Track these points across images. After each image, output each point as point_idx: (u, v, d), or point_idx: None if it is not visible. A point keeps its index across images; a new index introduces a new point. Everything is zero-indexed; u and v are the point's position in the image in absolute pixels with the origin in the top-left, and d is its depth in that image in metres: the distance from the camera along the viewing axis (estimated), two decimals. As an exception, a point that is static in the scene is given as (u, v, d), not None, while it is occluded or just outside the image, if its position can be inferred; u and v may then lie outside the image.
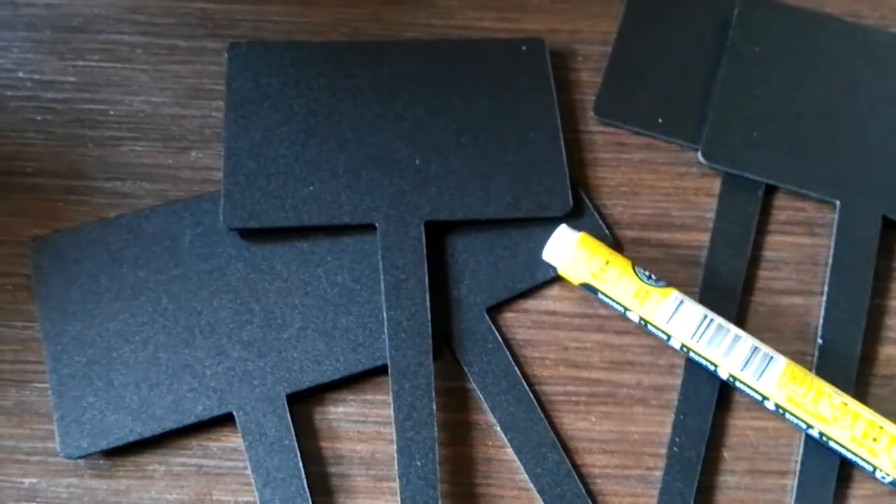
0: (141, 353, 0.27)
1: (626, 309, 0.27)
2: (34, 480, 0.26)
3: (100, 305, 0.28)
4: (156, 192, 0.30)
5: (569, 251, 0.27)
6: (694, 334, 0.26)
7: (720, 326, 0.26)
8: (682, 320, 0.26)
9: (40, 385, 0.28)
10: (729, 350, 0.26)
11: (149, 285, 0.28)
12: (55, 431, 0.26)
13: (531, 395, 0.27)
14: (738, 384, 0.26)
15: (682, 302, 0.27)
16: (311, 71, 0.31)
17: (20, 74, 0.32)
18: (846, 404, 0.25)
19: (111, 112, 0.31)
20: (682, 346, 0.27)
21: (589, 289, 0.28)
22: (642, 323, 0.27)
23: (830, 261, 0.29)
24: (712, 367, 0.26)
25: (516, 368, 0.28)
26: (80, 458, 0.26)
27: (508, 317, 0.29)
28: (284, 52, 0.31)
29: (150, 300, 0.28)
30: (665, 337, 0.27)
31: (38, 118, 0.31)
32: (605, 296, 0.27)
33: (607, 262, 0.27)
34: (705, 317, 0.27)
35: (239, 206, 0.29)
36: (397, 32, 0.33)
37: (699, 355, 0.26)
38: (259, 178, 0.29)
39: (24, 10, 0.33)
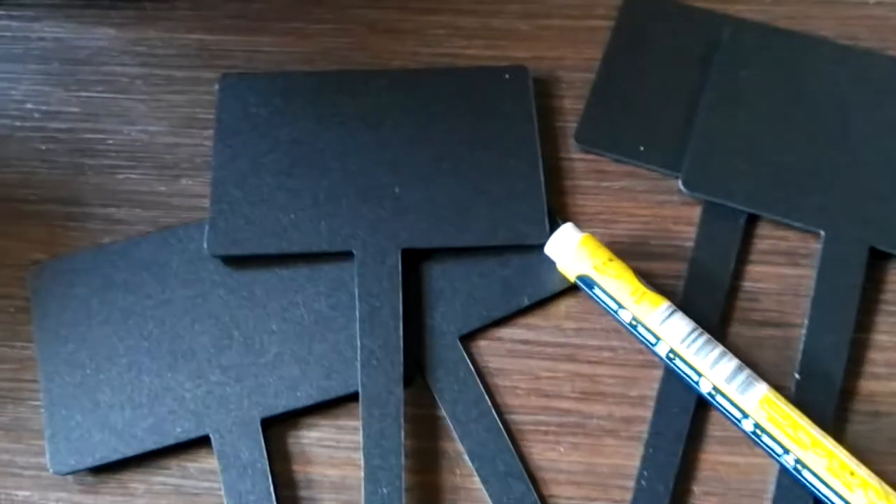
0: (126, 375, 0.29)
1: (619, 306, 0.27)
2: (27, 493, 0.28)
3: (91, 329, 0.30)
4: (149, 219, 0.32)
5: (573, 244, 0.28)
6: (684, 340, 0.26)
7: (710, 339, 0.27)
8: (674, 325, 0.27)
9: (35, 403, 0.29)
10: (715, 363, 0.26)
11: (136, 310, 0.30)
12: (46, 448, 0.28)
13: (500, 424, 0.28)
14: (718, 398, 0.26)
15: (675, 310, 0.27)
16: (298, 100, 0.32)
17: (29, 105, 0.34)
18: (822, 442, 0.25)
19: (110, 141, 0.33)
20: (669, 351, 0.27)
21: (585, 283, 0.28)
22: (633, 324, 0.27)
23: (812, 292, 0.28)
24: (694, 378, 0.26)
25: (487, 397, 0.28)
26: (68, 474, 0.28)
27: (482, 345, 0.29)
28: (273, 82, 0.33)
29: (136, 324, 0.29)
30: (653, 340, 0.27)
31: (44, 147, 0.33)
32: (602, 290, 0.28)
33: (610, 259, 0.28)
34: (696, 328, 0.27)
35: (222, 234, 0.30)
36: (385, 61, 0.34)
37: (685, 362, 0.26)
38: (243, 207, 0.30)
39: (35, 44, 0.35)
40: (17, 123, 0.33)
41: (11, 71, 0.34)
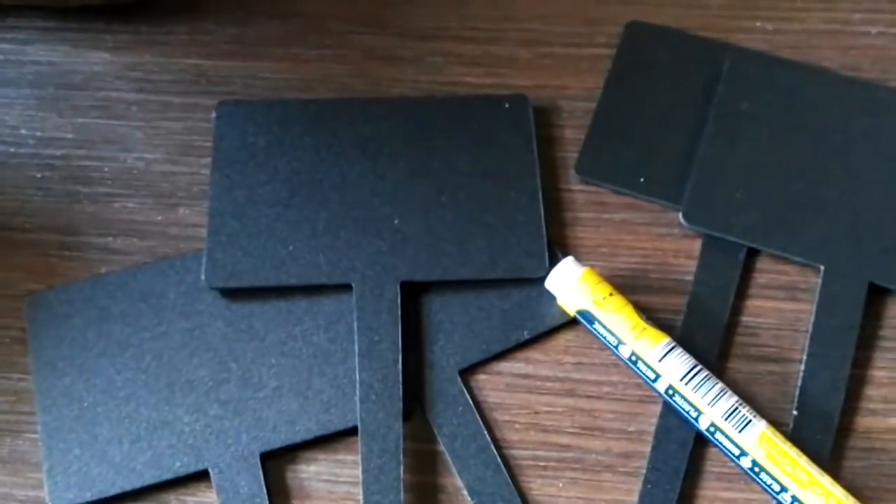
0: (124, 408, 0.29)
1: (619, 342, 0.28)
2: (25, 527, 0.28)
3: (88, 361, 0.30)
4: (145, 249, 0.32)
5: (573, 278, 0.28)
6: (683, 377, 0.27)
7: (709, 376, 0.27)
8: (673, 362, 0.27)
9: (33, 436, 0.29)
10: (714, 400, 0.27)
11: (133, 342, 0.30)
12: (44, 482, 0.28)
13: (499, 459, 0.28)
14: (717, 435, 0.27)
15: (675, 346, 0.27)
16: (296, 129, 0.32)
17: (23, 131, 0.34)
18: (819, 480, 0.25)
19: (105, 169, 0.33)
20: (669, 387, 0.27)
21: (585, 317, 0.28)
22: (633, 359, 0.28)
23: (811, 327, 0.29)
24: (693, 415, 0.27)
25: (486, 432, 0.28)
26: (66, 509, 0.28)
27: (481, 379, 0.29)
28: (270, 110, 0.33)
29: (134, 357, 0.30)
30: (652, 376, 0.27)
31: (38, 175, 0.33)
32: (602, 325, 0.28)
33: (610, 294, 0.28)
34: (696, 365, 0.27)
35: (220, 266, 0.30)
36: (384, 88, 0.34)
37: (684, 399, 0.27)
38: (241, 238, 0.31)
39: (29, 68, 0.35)
40: (12, 150, 0.33)
41: (4, 95, 0.34)
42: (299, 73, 0.34)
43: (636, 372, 0.28)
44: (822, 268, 0.29)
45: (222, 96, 0.34)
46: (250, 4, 0.35)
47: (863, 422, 0.28)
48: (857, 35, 0.33)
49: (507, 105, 0.32)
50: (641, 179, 0.31)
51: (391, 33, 0.35)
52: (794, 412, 0.28)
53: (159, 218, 0.32)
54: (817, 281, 0.29)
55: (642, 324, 0.28)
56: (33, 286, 0.31)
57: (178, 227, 0.32)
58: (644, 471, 0.27)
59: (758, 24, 0.34)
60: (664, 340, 0.27)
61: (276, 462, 0.29)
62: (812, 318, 0.29)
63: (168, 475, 0.28)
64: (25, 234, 0.32)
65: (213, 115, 0.33)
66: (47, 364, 0.30)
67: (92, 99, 0.34)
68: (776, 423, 0.27)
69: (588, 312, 0.28)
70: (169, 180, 0.33)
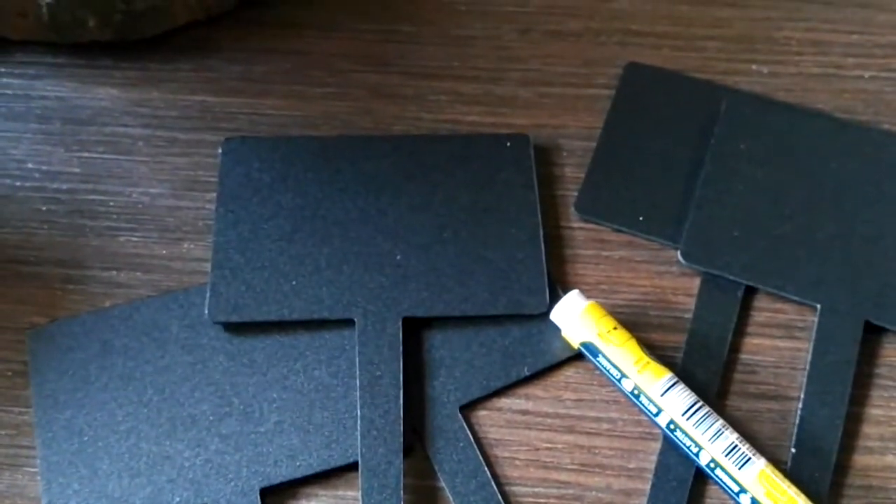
0: (124, 443, 0.30)
1: (622, 375, 0.29)
2: (22, 563, 0.29)
3: (89, 394, 0.30)
4: (149, 283, 0.33)
5: (578, 311, 0.29)
6: (685, 413, 0.28)
7: (710, 412, 0.28)
8: (675, 397, 0.28)
9: (32, 470, 0.30)
10: (715, 437, 0.27)
11: (136, 376, 0.31)
12: (42, 517, 0.29)
13: (500, 496, 0.29)
14: (717, 471, 0.27)
15: (677, 382, 0.28)
16: (300, 165, 0.34)
17: (29, 165, 0.35)
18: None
19: (111, 203, 0.34)
20: (670, 422, 0.28)
21: (589, 350, 0.29)
22: (635, 393, 0.28)
23: (808, 366, 0.30)
24: (694, 451, 0.28)
25: (486, 468, 0.29)
26: (64, 543, 0.29)
27: (481, 415, 0.30)
28: (275, 146, 0.34)
29: (136, 390, 0.30)
30: (654, 411, 0.28)
31: (44, 208, 0.34)
32: (605, 358, 0.29)
33: (615, 328, 0.29)
34: (697, 400, 0.28)
35: (224, 300, 0.31)
36: (387, 126, 0.35)
37: (686, 434, 0.28)
38: (244, 273, 0.32)
39: (37, 103, 0.36)
40: (18, 183, 0.35)
41: (12, 130, 0.36)
42: (304, 111, 0.35)
43: (638, 406, 0.29)
44: (819, 306, 0.30)
45: (227, 132, 0.35)
46: (256, 42, 0.37)
47: (860, 460, 0.29)
48: (850, 79, 0.35)
49: (508, 143, 0.34)
50: (640, 218, 0.32)
51: (395, 72, 0.36)
52: (793, 450, 0.29)
53: (164, 252, 0.33)
54: (814, 319, 0.30)
55: (645, 358, 0.29)
56: (36, 319, 0.32)
57: (182, 262, 0.33)
58: (644, 508, 0.28)
59: (753, 66, 0.35)
60: (667, 375, 0.28)
61: (276, 498, 0.29)
62: (809, 357, 0.30)
63: (167, 510, 0.29)
64: (30, 266, 0.33)
65: (220, 150, 0.34)
66: (48, 397, 0.31)
67: (99, 134, 0.35)
68: (775, 461, 0.28)
69: (592, 345, 0.29)
70: (174, 215, 0.34)
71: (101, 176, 0.35)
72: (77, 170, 0.35)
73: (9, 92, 0.36)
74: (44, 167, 0.35)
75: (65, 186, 0.34)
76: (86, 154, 0.35)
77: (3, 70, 0.37)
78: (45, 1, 0.34)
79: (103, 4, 0.35)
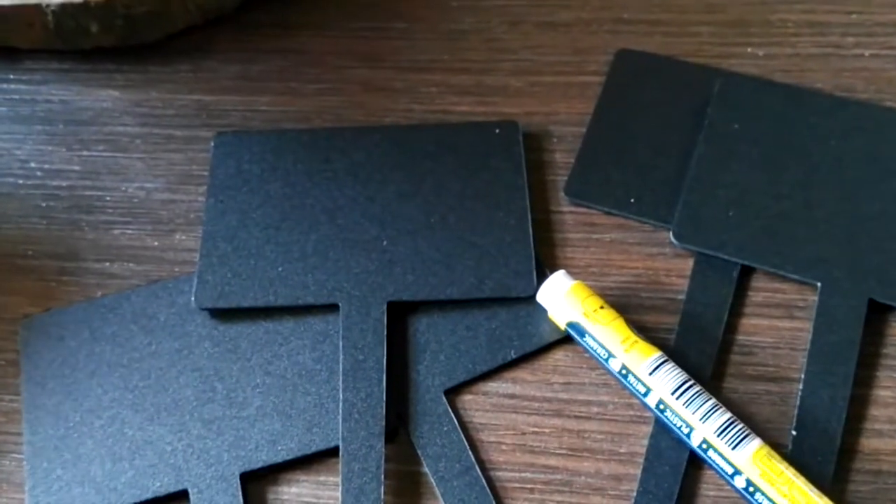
0: (108, 428, 0.30)
1: (609, 355, 0.28)
2: (5, 549, 0.29)
3: (77, 381, 0.31)
4: (141, 273, 0.34)
5: (564, 290, 0.29)
6: (675, 392, 0.27)
7: (701, 391, 0.27)
8: (664, 376, 0.27)
9: (19, 456, 0.31)
10: (706, 416, 0.27)
11: (123, 362, 0.31)
12: (26, 502, 0.29)
13: (484, 481, 0.28)
14: (709, 453, 0.26)
15: (666, 360, 0.28)
16: (290, 157, 0.35)
17: (32, 164, 0.37)
18: (817, 501, 0.25)
19: (107, 198, 0.35)
20: (660, 402, 0.27)
21: (576, 329, 0.29)
22: (623, 373, 0.28)
23: (809, 346, 0.29)
24: (685, 431, 0.27)
25: (471, 453, 0.29)
26: (46, 528, 0.29)
27: (467, 399, 0.30)
28: (266, 139, 0.35)
29: (122, 377, 0.31)
30: (643, 391, 0.28)
31: (43, 204, 0.36)
32: (592, 338, 0.28)
33: (601, 307, 0.29)
34: (688, 379, 0.27)
35: (210, 287, 0.32)
36: (379, 118, 0.36)
37: (675, 414, 0.27)
38: (232, 260, 0.32)
39: (42, 106, 0.38)
40: (20, 182, 0.36)
41: (17, 132, 0.37)
42: (297, 106, 0.36)
43: (626, 386, 0.28)
44: (819, 285, 0.30)
45: (222, 128, 0.36)
46: (253, 44, 0.38)
47: (869, 443, 0.28)
48: (850, 58, 0.35)
49: (497, 131, 0.34)
50: (631, 200, 0.32)
51: (387, 67, 0.37)
52: (793, 432, 0.28)
53: (156, 244, 0.34)
54: (814, 298, 0.30)
55: (633, 336, 0.28)
56: (31, 310, 0.33)
57: (174, 252, 0.34)
58: (635, 494, 0.27)
59: (749, 49, 0.35)
60: (655, 354, 0.28)
61: (256, 483, 0.29)
62: (810, 336, 0.29)
63: (148, 495, 0.29)
64: (27, 260, 0.34)
65: (212, 144, 0.35)
66: (38, 384, 0.31)
67: (99, 133, 0.37)
68: (775, 445, 0.27)
69: (578, 325, 0.29)
70: (167, 208, 0.35)
71: (99, 173, 0.36)
72: (77, 167, 0.36)
73: (16, 97, 0.38)
74: (45, 166, 0.36)
75: (64, 183, 0.36)
76: (86, 153, 0.37)
77: (12, 77, 0.39)
78: (50, 9, 0.36)
79: (105, 11, 0.37)
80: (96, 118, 0.37)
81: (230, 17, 0.39)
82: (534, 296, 0.30)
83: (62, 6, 0.36)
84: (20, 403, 0.31)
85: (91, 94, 0.38)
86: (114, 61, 0.39)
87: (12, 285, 0.34)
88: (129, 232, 0.35)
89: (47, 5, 0.36)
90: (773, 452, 0.26)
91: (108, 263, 0.34)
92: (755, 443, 0.26)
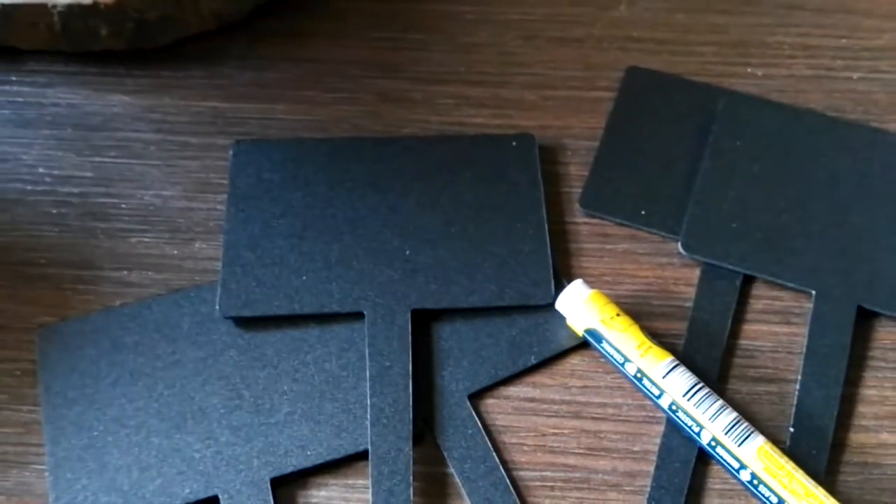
0: (134, 437, 0.31)
1: (626, 359, 0.30)
2: (31, 559, 0.30)
3: (99, 391, 0.32)
4: (160, 282, 0.34)
5: (582, 299, 0.31)
6: (686, 393, 0.30)
7: (710, 393, 0.30)
8: (676, 379, 0.30)
9: (40, 467, 0.31)
10: (715, 416, 0.29)
11: (146, 371, 0.32)
12: (50, 512, 0.30)
13: (508, 480, 0.30)
14: (717, 449, 0.29)
15: (678, 364, 0.30)
16: (310, 166, 0.36)
17: (40, 170, 0.37)
18: (814, 492, 0.28)
19: (123, 205, 0.36)
20: (672, 403, 0.30)
21: (593, 336, 0.31)
22: (638, 376, 0.30)
23: (804, 350, 0.32)
24: (695, 430, 0.29)
25: (494, 454, 0.31)
26: (73, 537, 0.30)
27: (489, 403, 0.32)
28: (285, 148, 0.36)
29: (146, 386, 0.32)
30: (657, 393, 0.30)
31: (55, 211, 0.36)
32: (609, 344, 0.31)
33: (617, 314, 0.31)
34: (698, 382, 0.30)
35: (234, 296, 0.33)
36: (396, 129, 0.37)
37: (687, 414, 0.29)
38: (255, 269, 0.34)
39: (48, 110, 0.38)
40: (29, 187, 0.37)
41: (23, 136, 0.38)
42: (314, 115, 0.38)
43: (641, 389, 0.31)
44: (814, 293, 0.33)
45: (238, 136, 0.37)
46: (267, 51, 0.39)
47: (856, 438, 0.31)
48: (840, 80, 0.38)
49: (514, 143, 0.36)
50: (642, 212, 0.35)
51: (404, 77, 0.38)
52: (791, 429, 0.30)
53: (175, 252, 0.35)
54: (809, 305, 0.33)
55: (648, 342, 0.30)
56: (46, 319, 0.34)
57: (194, 261, 0.35)
58: (649, 489, 0.30)
59: (748, 69, 0.38)
60: (668, 358, 0.30)
61: (286, 488, 0.31)
62: (805, 341, 0.32)
63: (178, 502, 0.30)
64: (40, 268, 0.35)
65: (230, 153, 0.36)
66: (57, 394, 0.32)
67: (111, 139, 0.38)
68: (774, 441, 0.30)
69: (596, 331, 0.31)
70: (185, 216, 0.36)
71: (112, 179, 0.37)
72: (89, 174, 0.37)
73: (20, 99, 0.39)
74: (55, 171, 0.37)
75: (76, 190, 0.36)
76: (97, 159, 0.37)
77: (14, 78, 0.39)
78: (57, 10, 0.37)
79: (116, 14, 0.37)
80: (107, 123, 0.38)
81: (243, 23, 0.40)
82: (552, 304, 0.32)
83: (69, 7, 0.36)
84: (39, 414, 0.32)
85: (100, 98, 0.38)
86: (123, 65, 0.39)
87: (25, 293, 0.34)
88: (147, 240, 0.35)
89: (54, 6, 0.36)
90: (774, 448, 0.29)
91: (125, 272, 0.35)
92: (758, 440, 0.29)
